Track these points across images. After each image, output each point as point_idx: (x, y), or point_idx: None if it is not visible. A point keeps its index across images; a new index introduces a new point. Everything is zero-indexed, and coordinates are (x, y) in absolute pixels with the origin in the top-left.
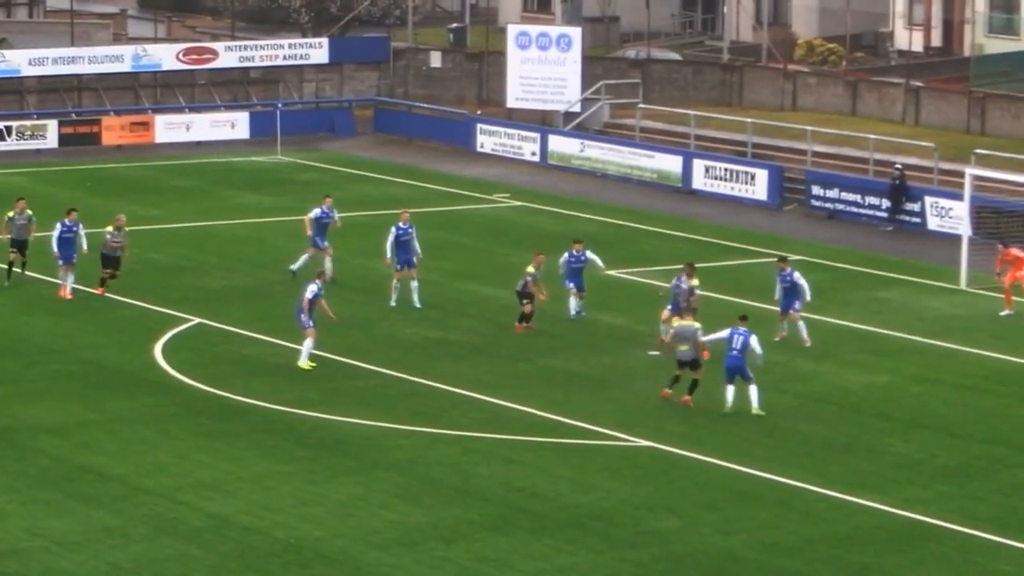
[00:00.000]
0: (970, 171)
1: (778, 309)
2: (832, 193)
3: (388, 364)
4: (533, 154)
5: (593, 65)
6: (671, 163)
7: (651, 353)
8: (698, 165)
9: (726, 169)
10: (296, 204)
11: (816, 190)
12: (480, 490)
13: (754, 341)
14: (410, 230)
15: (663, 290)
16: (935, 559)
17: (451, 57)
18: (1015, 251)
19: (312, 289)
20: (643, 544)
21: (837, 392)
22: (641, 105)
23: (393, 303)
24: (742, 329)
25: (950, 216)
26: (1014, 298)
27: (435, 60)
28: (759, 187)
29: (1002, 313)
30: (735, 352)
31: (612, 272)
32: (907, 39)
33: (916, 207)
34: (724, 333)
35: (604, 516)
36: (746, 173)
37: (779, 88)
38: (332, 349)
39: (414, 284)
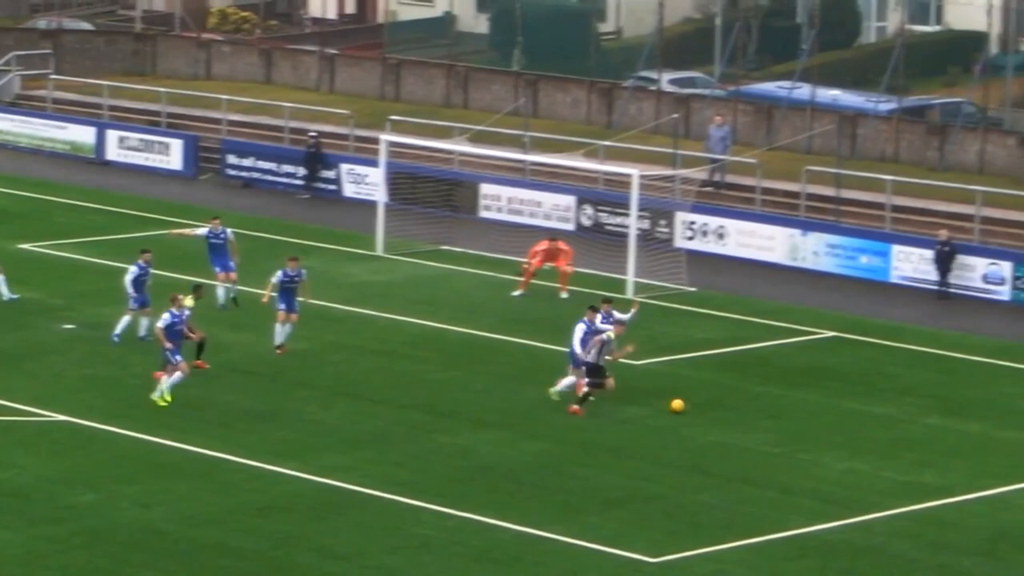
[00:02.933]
0: (385, 137)
1: None
2: (248, 162)
3: None
4: None
5: (3, 36)
6: (84, 134)
7: (66, 327)
8: (112, 136)
9: (140, 139)
10: None
11: (232, 159)
12: None
13: None
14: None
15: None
16: (355, 525)
17: None
18: (562, 244)
19: (165, 318)
20: (61, 519)
21: (256, 361)
22: (53, 76)
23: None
24: None
25: (366, 183)
26: (562, 286)
27: None
28: (174, 157)
29: (514, 293)
30: None
31: (25, 246)
32: (321, 6)
33: (332, 174)
34: None
35: (21, 493)
36: (161, 143)
37: (193, 57)
38: None
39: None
